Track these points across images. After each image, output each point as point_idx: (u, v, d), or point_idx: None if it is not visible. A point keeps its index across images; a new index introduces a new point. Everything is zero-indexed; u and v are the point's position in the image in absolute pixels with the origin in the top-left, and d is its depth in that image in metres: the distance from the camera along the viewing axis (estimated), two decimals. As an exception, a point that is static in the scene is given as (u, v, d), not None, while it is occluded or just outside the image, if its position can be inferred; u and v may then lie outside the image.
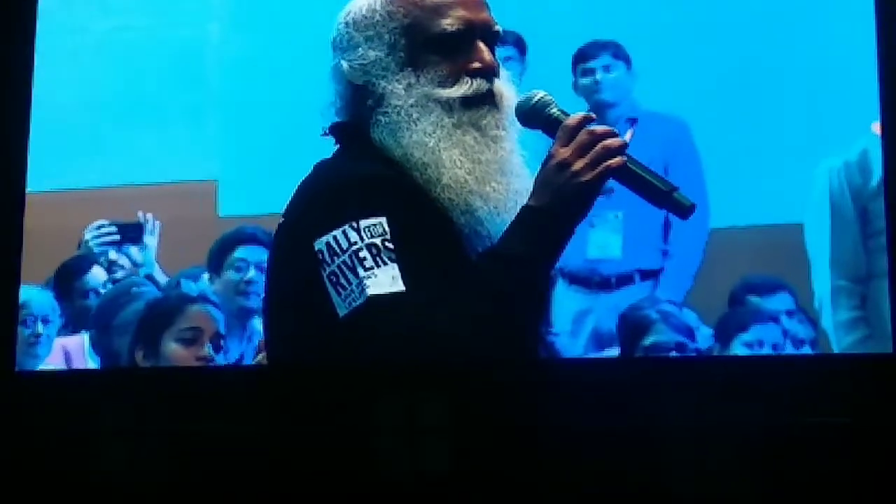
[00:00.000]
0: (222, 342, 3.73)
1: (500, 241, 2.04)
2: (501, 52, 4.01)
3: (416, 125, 2.07)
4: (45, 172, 4.27)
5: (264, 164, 4.01)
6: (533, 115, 2.11)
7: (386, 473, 2.01)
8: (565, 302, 3.94)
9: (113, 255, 4.14)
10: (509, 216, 2.07)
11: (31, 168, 3.98)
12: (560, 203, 2.01)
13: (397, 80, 2.10)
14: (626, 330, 3.71)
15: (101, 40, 4.45)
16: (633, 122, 4.05)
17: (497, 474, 2.05)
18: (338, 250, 1.98)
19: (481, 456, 2.03)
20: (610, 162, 2.01)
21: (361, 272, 1.95)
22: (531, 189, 2.05)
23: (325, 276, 1.97)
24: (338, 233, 1.98)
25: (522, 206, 2.04)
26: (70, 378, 3.92)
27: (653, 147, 3.95)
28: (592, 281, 3.95)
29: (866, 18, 3.48)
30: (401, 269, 1.96)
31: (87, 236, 4.18)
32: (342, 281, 1.97)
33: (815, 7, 3.93)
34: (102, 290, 4.09)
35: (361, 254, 1.96)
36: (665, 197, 2.03)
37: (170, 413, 3.14)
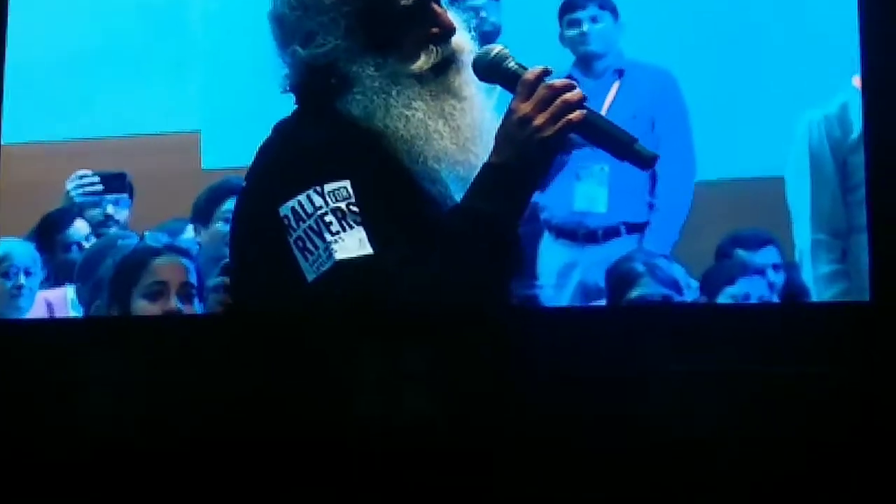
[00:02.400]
0: (193, 291, 3.69)
1: (463, 199, 2.03)
2: (472, 1, 4.05)
3: (397, 99, 2.05)
4: (24, 124, 4.25)
5: (248, 116, 3.98)
6: (491, 70, 2.09)
7: (366, 422, 2.01)
8: (551, 255, 3.93)
9: (110, 209, 4.12)
10: None
11: (10, 120, 3.95)
12: (522, 159, 2.00)
13: (365, 63, 2.07)
14: (612, 282, 3.71)
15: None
16: (619, 73, 4.03)
17: (480, 422, 2.05)
18: (303, 215, 1.97)
19: (463, 403, 2.03)
20: (571, 116, 2.00)
21: (328, 237, 1.95)
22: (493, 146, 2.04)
23: (291, 241, 1.97)
24: (302, 198, 1.97)
25: (484, 163, 2.03)
26: (48, 327, 3.92)
27: (640, 99, 3.93)
28: (578, 234, 3.94)
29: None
30: (367, 233, 1.96)
31: (69, 186, 4.15)
32: (309, 246, 1.96)
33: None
34: (85, 243, 4.07)
35: (327, 218, 1.96)
36: (626, 148, 2.02)
37: (147, 362, 3.14)
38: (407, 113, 2.05)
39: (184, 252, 3.73)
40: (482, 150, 2.07)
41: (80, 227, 4.09)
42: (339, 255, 1.94)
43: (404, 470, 1.96)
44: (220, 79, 4.27)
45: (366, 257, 1.95)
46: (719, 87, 3.84)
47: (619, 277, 3.70)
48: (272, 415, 2.05)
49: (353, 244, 1.95)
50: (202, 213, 3.98)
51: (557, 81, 2.03)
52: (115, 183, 4.15)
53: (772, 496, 2.83)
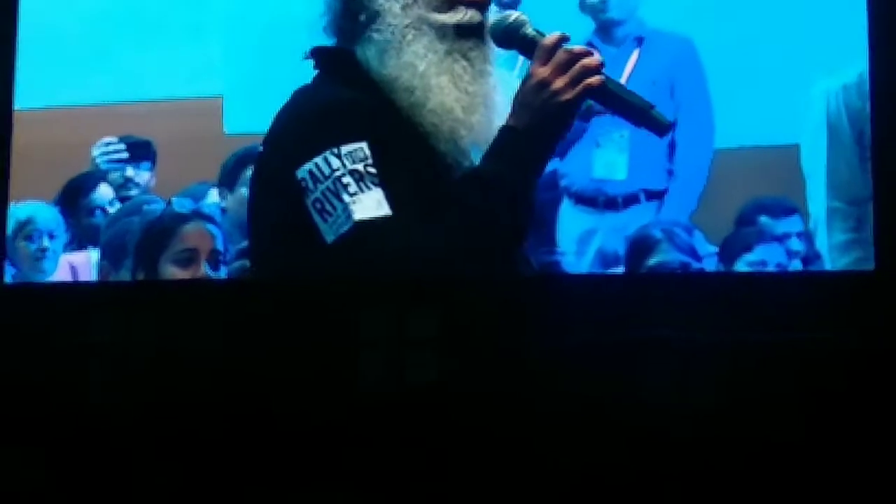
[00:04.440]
0: (220, 258, 3.71)
1: (481, 162, 2.05)
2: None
3: (409, 46, 2.07)
4: (47, 88, 4.26)
5: (270, 81, 3.99)
6: (508, 36, 2.11)
7: (372, 386, 2.04)
8: (571, 222, 3.94)
9: (130, 171, 4.14)
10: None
11: (32, 84, 3.96)
12: (540, 122, 2.02)
13: None
14: (631, 249, 3.73)
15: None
16: (639, 41, 4.03)
17: (485, 388, 2.08)
18: (320, 177, 1.99)
19: (469, 369, 2.06)
20: (589, 80, 2.02)
21: (346, 197, 1.97)
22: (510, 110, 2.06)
23: (309, 203, 1.99)
24: (319, 160, 1.99)
25: (502, 126, 2.05)
26: (61, 290, 3.94)
27: (659, 66, 3.93)
28: (598, 201, 3.95)
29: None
30: (386, 193, 1.98)
31: (95, 153, 4.17)
32: (327, 207, 1.98)
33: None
34: (109, 208, 4.09)
35: (344, 179, 1.97)
36: (644, 115, 2.04)
37: (155, 327, 3.16)
38: (415, 62, 2.07)
39: (210, 218, 3.74)
40: (488, 122, 2.10)
41: (104, 192, 4.12)
42: (357, 216, 1.96)
43: (409, 434, 1.99)
44: (242, 43, 4.28)
45: (385, 217, 1.97)
46: (738, 54, 3.83)
47: (638, 244, 3.71)
48: (284, 378, 2.08)
49: (371, 205, 1.97)
50: (229, 178, 4.00)
51: (576, 47, 2.04)
52: (141, 151, 4.17)
53: (784, 461, 2.86)
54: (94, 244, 4.04)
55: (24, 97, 3.56)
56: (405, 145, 2.04)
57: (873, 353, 2.82)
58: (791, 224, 3.70)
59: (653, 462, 2.65)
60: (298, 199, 2.00)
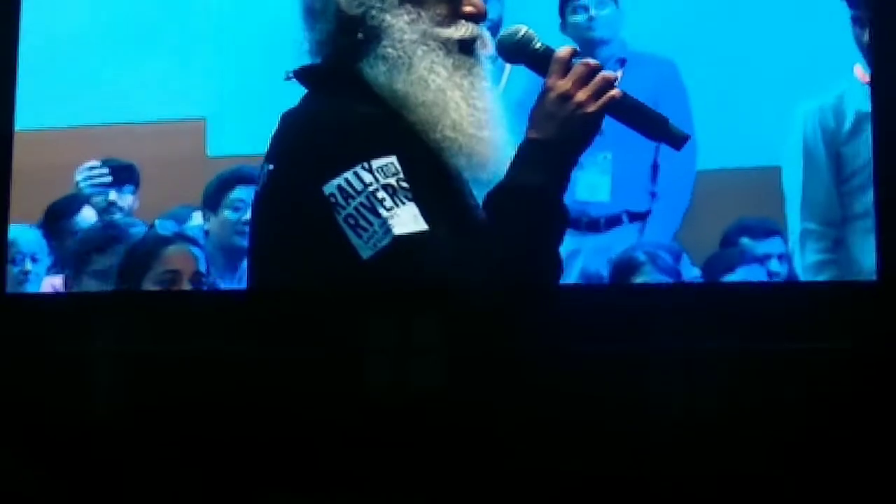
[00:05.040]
0: (203, 279, 3.71)
1: (509, 176, 2.04)
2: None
3: (420, 62, 2.05)
4: (30, 110, 4.26)
5: (253, 104, 3.99)
6: (518, 50, 2.10)
7: (377, 394, 2.04)
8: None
9: (113, 195, 4.13)
10: (503, 165, 2.07)
11: (18, 106, 3.96)
12: (565, 134, 2.02)
13: (399, 14, 2.08)
14: (614, 271, 3.73)
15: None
16: (621, 62, 4.04)
17: (491, 395, 2.08)
18: (352, 192, 1.96)
19: (474, 376, 2.06)
20: (612, 93, 2.03)
21: (383, 212, 1.95)
22: (528, 124, 2.06)
23: (340, 219, 1.96)
24: (349, 175, 1.96)
25: (524, 141, 2.04)
26: (59, 301, 3.93)
27: (641, 88, 3.91)
28: (581, 222, 3.94)
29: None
30: (421, 208, 1.97)
31: (78, 177, 4.17)
32: (362, 223, 1.96)
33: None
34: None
35: (379, 194, 1.96)
36: (661, 128, 2.04)
37: (160, 336, 3.15)
38: (428, 77, 2.06)
39: (193, 241, 3.73)
40: (497, 137, 2.09)
41: (87, 215, 4.11)
42: (397, 231, 1.95)
43: (415, 441, 1.98)
44: (225, 66, 4.27)
45: (423, 233, 1.96)
46: (720, 76, 3.84)
47: (621, 266, 3.72)
48: (285, 390, 2.08)
49: (408, 220, 1.96)
50: (212, 200, 3.99)
51: (590, 60, 2.06)
52: (124, 174, 4.17)
53: (774, 468, 2.86)
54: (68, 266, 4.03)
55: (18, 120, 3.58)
56: (429, 160, 2.04)
57: (873, 362, 2.83)
58: (772, 245, 3.71)
59: (656, 468, 2.65)
60: (324, 214, 1.98)
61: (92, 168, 4.17)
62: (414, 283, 1.96)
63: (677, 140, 2.06)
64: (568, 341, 2.49)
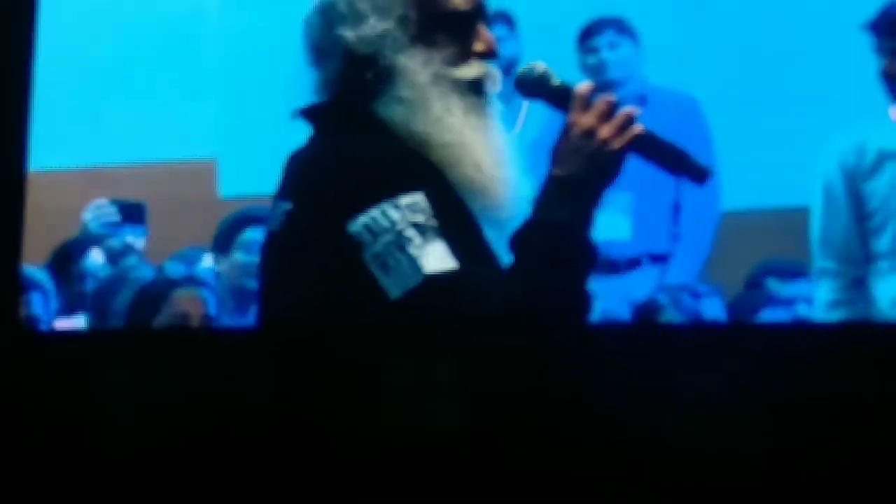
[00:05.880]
0: (212, 322, 3.69)
1: (535, 214, 2.02)
2: (496, 31, 4.01)
3: (437, 102, 2.03)
4: (41, 150, 4.24)
5: (264, 144, 3.97)
6: (536, 87, 2.08)
7: (397, 431, 1.99)
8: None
9: (129, 238, 4.10)
10: (519, 205, 2.06)
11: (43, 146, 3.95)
12: (590, 170, 2.00)
13: (411, 56, 2.05)
14: (635, 314, 3.68)
15: (98, 16, 4.43)
16: (642, 100, 3.99)
17: (510, 434, 2.03)
18: (379, 230, 1.94)
19: (495, 415, 2.01)
20: (636, 128, 2.02)
21: (412, 250, 1.92)
22: (551, 161, 2.03)
23: (367, 257, 1.93)
24: (376, 213, 1.94)
25: (547, 178, 2.02)
26: (77, 338, 3.90)
27: (662, 126, 3.88)
28: (600, 264, 3.90)
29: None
30: (450, 246, 1.95)
31: (87, 217, 4.14)
32: (389, 261, 1.93)
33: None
34: (101, 274, 4.05)
35: (407, 232, 1.93)
36: (684, 162, 2.03)
37: (176, 373, 3.12)
38: (445, 118, 2.04)
39: (202, 283, 3.71)
40: (514, 175, 2.08)
41: (95, 257, 4.07)
42: (427, 270, 1.92)
43: (433, 480, 1.95)
44: (236, 107, 4.26)
45: (454, 272, 1.93)
46: (748, 115, 3.82)
47: (643, 309, 3.67)
48: (304, 427, 2.04)
49: (438, 258, 1.94)
50: (223, 242, 3.95)
51: (610, 96, 2.05)
52: (133, 213, 4.14)
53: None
54: (85, 310, 4.00)
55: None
56: (452, 197, 2.01)
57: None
58: (799, 288, 3.66)
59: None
60: (350, 254, 1.94)
61: (100, 207, 4.14)
62: (444, 321, 1.95)
63: (700, 174, 2.05)
64: (591, 381, 2.46)
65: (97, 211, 4.15)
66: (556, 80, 2.08)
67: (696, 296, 3.61)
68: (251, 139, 4.14)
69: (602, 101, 2.02)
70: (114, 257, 4.09)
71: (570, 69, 3.95)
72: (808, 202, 3.60)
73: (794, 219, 3.66)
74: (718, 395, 2.67)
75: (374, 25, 2.04)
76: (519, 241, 2.02)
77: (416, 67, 2.04)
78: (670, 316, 3.63)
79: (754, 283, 3.71)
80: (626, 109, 2.02)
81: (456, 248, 1.95)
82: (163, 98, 4.35)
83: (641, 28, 4.00)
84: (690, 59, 3.96)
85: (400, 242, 1.93)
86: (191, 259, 4.06)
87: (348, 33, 2.05)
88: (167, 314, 3.60)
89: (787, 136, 3.80)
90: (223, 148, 4.28)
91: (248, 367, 2.61)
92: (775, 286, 3.69)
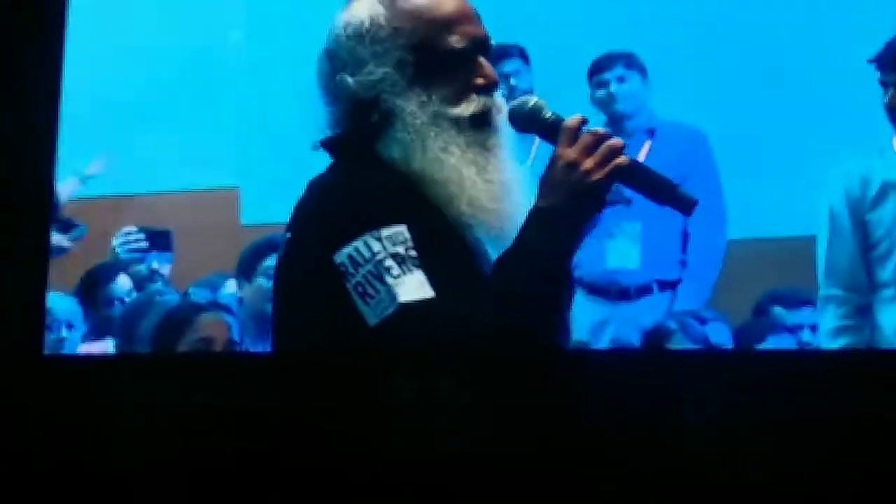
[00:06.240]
0: (236, 348, 3.72)
1: (517, 243, 2.05)
2: (510, 64, 4.09)
3: (433, 142, 2.07)
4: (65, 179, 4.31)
5: (286, 172, 4.02)
6: (528, 120, 2.11)
7: (403, 454, 2.04)
8: (584, 312, 3.95)
9: (155, 264, 4.16)
10: None
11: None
12: (573, 202, 2.03)
13: (409, 98, 2.09)
14: (644, 340, 3.73)
15: (123, 46, 4.48)
16: (651, 133, 4.06)
17: (517, 457, 2.08)
18: (361, 261, 1.99)
19: (500, 439, 2.06)
20: (618, 161, 2.03)
21: (389, 280, 1.97)
22: (538, 192, 2.06)
23: (349, 286, 1.99)
24: (359, 244, 1.99)
25: (533, 208, 2.05)
26: (94, 364, 3.94)
27: (671, 158, 3.96)
28: (611, 291, 3.96)
29: (883, 29, 3.50)
30: (428, 276, 1.98)
31: (115, 243, 4.20)
32: (369, 290, 1.98)
33: (828, 19, 3.95)
34: (127, 299, 4.11)
35: (386, 262, 1.98)
36: (669, 193, 2.04)
37: (185, 396, 3.16)
38: (442, 156, 2.07)
39: (226, 309, 3.76)
40: (513, 208, 2.10)
41: (122, 283, 4.13)
42: (402, 298, 1.97)
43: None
44: (258, 138, 4.32)
45: (429, 300, 1.97)
46: (754, 145, 3.86)
47: (652, 334, 3.72)
48: (310, 451, 2.08)
49: (414, 287, 1.98)
50: (246, 268, 4.00)
51: (599, 129, 2.06)
52: (161, 240, 4.20)
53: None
54: (112, 335, 4.06)
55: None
56: (440, 228, 2.05)
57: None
58: (804, 316, 3.70)
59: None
60: (336, 283, 2.00)
61: (129, 234, 4.21)
62: (419, 349, 1.99)
63: (686, 205, 2.06)
64: (595, 406, 2.49)
65: (126, 237, 4.21)
66: (547, 114, 2.09)
67: (702, 321, 3.65)
68: (273, 169, 4.19)
69: (588, 134, 2.03)
70: (140, 283, 4.16)
71: (581, 102, 4.03)
72: (814, 231, 3.66)
73: (800, 247, 3.70)
74: (722, 419, 2.72)
75: (373, 71, 2.09)
76: (497, 269, 2.04)
77: (414, 109, 2.08)
78: (679, 341, 3.69)
79: (761, 311, 3.75)
80: (611, 142, 2.03)
81: (439, 278, 1.98)
82: (188, 129, 4.40)
83: (650, 63, 4.06)
84: (698, 92, 4.01)
85: (379, 272, 1.97)
86: (214, 285, 4.12)
87: (349, 79, 2.10)
88: (192, 338, 3.63)
89: (793, 166, 3.84)
90: (246, 177, 4.34)
91: (258, 389, 2.67)
92: (781, 314, 3.73)
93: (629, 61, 4.07)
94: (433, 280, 1.99)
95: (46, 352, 4.02)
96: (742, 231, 3.89)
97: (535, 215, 2.05)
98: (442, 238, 2.05)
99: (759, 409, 2.74)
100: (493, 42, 2.15)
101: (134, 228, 4.22)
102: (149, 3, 4.57)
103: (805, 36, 3.96)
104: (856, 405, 2.82)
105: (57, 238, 4.15)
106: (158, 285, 4.11)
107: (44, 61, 3.72)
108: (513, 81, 4.07)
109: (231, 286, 4.06)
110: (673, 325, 3.72)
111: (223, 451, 2.77)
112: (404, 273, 1.98)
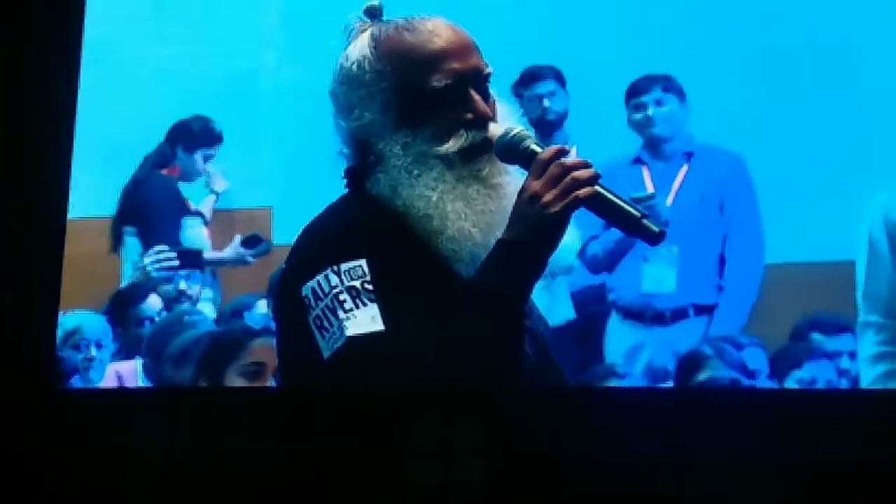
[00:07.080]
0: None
1: (475, 275, 2.06)
2: (544, 86, 4.08)
3: (418, 180, 2.08)
4: (94, 198, 4.31)
5: (318, 192, 4.02)
6: (509, 150, 2.10)
7: (417, 494, 2.02)
8: (619, 336, 3.93)
9: (183, 285, 4.17)
10: None
11: (80, 194, 4.00)
12: (530, 235, 2.03)
13: (394, 140, 2.11)
14: (680, 365, 3.70)
15: (157, 67, 4.49)
16: (688, 156, 4.04)
17: (532, 497, 2.06)
18: (321, 294, 2.01)
19: (514, 479, 2.04)
20: (578, 192, 2.02)
21: (342, 314, 1.99)
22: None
23: (310, 320, 2.01)
24: (321, 277, 2.01)
25: (498, 240, 2.06)
26: (112, 397, 3.94)
27: (709, 182, 3.94)
28: (646, 315, 3.93)
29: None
30: (381, 309, 1.99)
31: (146, 261, 4.21)
32: (325, 324, 2.01)
33: (866, 41, 3.93)
34: (157, 319, 4.11)
35: (342, 296, 2.00)
36: (635, 224, 2.02)
37: (202, 431, 3.15)
38: (427, 193, 2.08)
39: (279, 337, 3.78)
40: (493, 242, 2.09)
41: (153, 303, 4.14)
42: (350, 332, 1.98)
43: None
44: (291, 159, 4.32)
45: (377, 333, 1.98)
46: (794, 169, 3.83)
47: (688, 360, 3.69)
48: (325, 487, 2.07)
49: (365, 321, 1.99)
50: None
51: (570, 160, 2.05)
52: (191, 258, 4.20)
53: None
54: (141, 355, 4.06)
55: (72, 207, 3.60)
56: (408, 262, 2.05)
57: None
58: (843, 342, 3.67)
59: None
60: (302, 316, 2.03)
61: (160, 252, 4.21)
62: (366, 383, 1.99)
63: (653, 237, 2.03)
64: (610, 444, 2.46)
65: (157, 255, 4.22)
66: (527, 145, 2.08)
67: (738, 347, 3.62)
68: (305, 189, 4.18)
69: (555, 165, 2.03)
70: (169, 303, 4.16)
71: (619, 126, 4.01)
72: (853, 256, 3.63)
73: (839, 272, 3.68)
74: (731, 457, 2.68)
75: (361, 116, 2.11)
76: (451, 301, 2.03)
77: (398, 151, 2.09)
78: (715, 367, 3.66)
79: (799, 336, 3.72)
80: (577, 172, 2.02)
81: (399, 312, 1.99)
82: (223, 150, 4.41)
83: (688, 86, 4.04)
84: (736, 115, 3.98)
85: (333, 306, 1.99)
86: (245, 306, 4.13)
87: (343, 123, 2.14)
88: (244, 363, 3.63)
89: (833, 191, 3.81)
90: (279, 197, 4.34)
91: (261, 424, 2.65)
92: (820, 340, 3.70)
93: (667, 84, 4.05)
94: (391, 314, 1.99)
95: (74, 370, 4.03)
96: (780, 256, 3.85)
97: (496, 248, 2.05)
98: (413, 272, 2.04)
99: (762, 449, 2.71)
100: (489, 71, 2.14)
101: (165, 247, 4.22)
102: (184, 24, 4.58)
103: (847, 61, 3.93)
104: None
105: (241, 252, 4.21)
106: (185, 306, 4.11)
107: (63, 80, 3.73)
108: (546, 103, 4.06)
109: (262, 306, 4.06)
110: (709, 350, 3.68)
111: (233, 487, 2.75)
112: (357, 307, 2.00)
